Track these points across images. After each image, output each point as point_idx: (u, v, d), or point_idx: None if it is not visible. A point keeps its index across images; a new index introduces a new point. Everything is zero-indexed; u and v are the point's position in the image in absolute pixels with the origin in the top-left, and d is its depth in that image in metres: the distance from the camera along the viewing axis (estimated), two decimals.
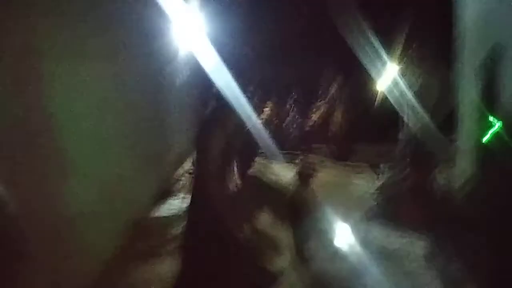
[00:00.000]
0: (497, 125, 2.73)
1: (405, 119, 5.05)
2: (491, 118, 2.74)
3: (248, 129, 2.77)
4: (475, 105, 4.23)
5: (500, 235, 2.80)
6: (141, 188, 4.83)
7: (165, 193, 5.61)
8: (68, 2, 3.21)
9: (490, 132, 2.77)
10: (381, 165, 6.18)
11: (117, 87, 4.23)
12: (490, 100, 3.83)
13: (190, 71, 7.95)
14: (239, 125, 2.85)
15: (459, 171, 5.06)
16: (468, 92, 4.60)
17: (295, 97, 8.76)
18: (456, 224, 4.08)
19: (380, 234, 4.18)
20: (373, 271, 3.51)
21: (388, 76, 6.16)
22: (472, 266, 3.29)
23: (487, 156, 2.95)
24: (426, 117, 4.77)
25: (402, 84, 5.03)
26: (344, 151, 7.91)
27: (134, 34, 4.96)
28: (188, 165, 6.97)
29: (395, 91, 5.20)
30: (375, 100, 8.65)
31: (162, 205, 5.28)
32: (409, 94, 4.87)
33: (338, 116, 8.07)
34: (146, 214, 4.91)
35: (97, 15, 3.75)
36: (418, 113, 4.83)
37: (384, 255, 3.73)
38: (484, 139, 2.95)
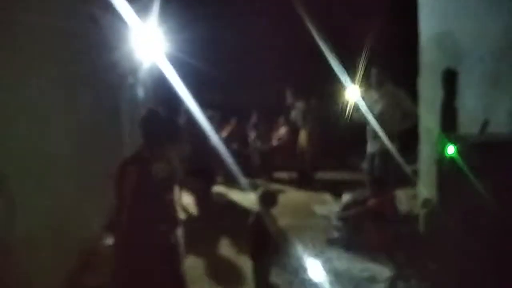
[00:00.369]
0: (452, 148, 2.75)
1: (368, 141, 5.11)
2: (449, 140, 2.77)
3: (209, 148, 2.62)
4: (433, 128, 4.37)
5: (459, 256, 2.78)
6: (90, 216, 4.52)
7: (115, 222, 5.29)
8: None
9: (448, 154, 2.79)
10: (342, 192, 6.24)
11: (68, 106, 4.01)
12: (449, 121, 3.98)
13: (146, 88, 7.84)
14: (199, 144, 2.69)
15: (419, 193, 5.17)
16: (428, 115, 4.76)
17: (256, 119, 8.71)
18: (416, 246, 4.11)
19: (343, 258, 4.09)
20: None
21: (351, 99, 6.29)
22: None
23: (445, 178, 2.97)
24: (388, 139, 4.85)
25: (364, 106, 5.10)
26: (306, 178, 7.89)
27: (90, 50, 4.79)
28: None
29: (358, 113, 5.26)
30: (337, 124, 8.84)
31: (112, 233, 4.96)
32: (372, 117, 4.93)
33: (300, 140, 8.04)
34: (95, 243, 4.58)
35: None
36: (379, 136, 4.90)
37: (348, 279, 3.64)
38: (442, 161, 2.97)
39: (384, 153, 4.89)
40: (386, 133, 4.75)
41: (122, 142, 6.30)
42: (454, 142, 2.72)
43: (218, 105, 8.96)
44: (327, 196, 6.70)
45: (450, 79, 4.09)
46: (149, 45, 7.01)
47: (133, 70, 7.06)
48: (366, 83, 5.38)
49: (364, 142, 5.34)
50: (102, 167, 5.15)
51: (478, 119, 3.54)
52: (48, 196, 3.43)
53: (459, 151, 2.62)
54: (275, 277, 3.62)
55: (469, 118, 3.70)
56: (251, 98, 10.06)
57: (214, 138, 6.12)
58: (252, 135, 8.57)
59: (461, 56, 3.93)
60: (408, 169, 5.63)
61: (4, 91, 2.92)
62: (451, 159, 2.73)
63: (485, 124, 3.13)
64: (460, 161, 2.58)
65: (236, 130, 9.17)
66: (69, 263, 3.81)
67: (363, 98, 5.06)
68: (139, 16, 5.49)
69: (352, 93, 6.00)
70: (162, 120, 2.70)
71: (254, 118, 8.94)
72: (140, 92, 7.67)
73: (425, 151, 4.81)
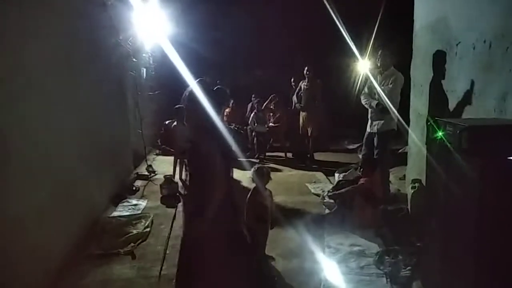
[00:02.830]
0: (440, 132, 2.74)
1: (369, 122, 5.08)
2: (438, 124, 2.76)
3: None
4: (424, 112, 4.35)
5: (443, 234, 2.80)
6: (96, 189, 4.54)
7: (120, 194, 5.33)
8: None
9: (437, 137, 2.78)
10: (335, 172, 6.27)
11: (74, 86, 3.97)
12: (439, 105, 3.95)
13: (150, 72, 7.78)
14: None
15: (408, 174, 5.20)
16: (419, 99, 4.73)
17: (256, 101, 8.65)
18: (404, 224, 4.15)
19: (334, 233, 4.13)
20: (330, 268, 3.46)
21: (360, 73, 6.25)
22: (416, 263, 3.31)
23: (433, 160, 2.97)
24: (389, 119, 4.83)
25: (369, 86, 5.04)
26: (305, 158, 7.92)
27: (93, 32, 4.72)
28: (144, 167, 6.73)
29: (362, 93, 5.21)
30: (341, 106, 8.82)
31: (118, 206, 5.01)
32: (375, 96, 4.88)
33: (301, 121, 8.01)
34: (101, 215, 4.62)
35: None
36: (379, 117, 4.87)
37: (338, 253, 3.69)
38: (431, 144, 2.97)
39: (383, 133, 4.87)
40: (389, 113, 4.71)
41: (127, 117, 6.29)
42: (443, 126, 2.70)
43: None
44: (321, 175, 6.71)
45: (441, 63, 4.04)
46: (152, 27, 6.94)
47: (137, 51, 6.98)
48: (373, 63, 5.32)
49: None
50: (108, 142, 5.16)
51: (468, 104, 3.54)
52: (56, 169, 3.43)
53: (447, 135, 2.61)
54: (271, 250, 3.67)
55: (459, 102, 3.68)
56: (251, 80, 10.00)
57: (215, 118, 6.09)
58: (250, 116, 8.54)
59: (453, 42, 3.88)
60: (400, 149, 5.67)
61: (15, 65, 2.88)
62: (440, 142, 2.72)
63: None
64: (447, 144, 2.58)
65: (235, 111, 9.14)
66: (76, 233, 3.83)
67: (371, 74, 5.00)
68: None
69: (361, 67, 5.95)
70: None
71: (253, 100, 8.89)
72: (143, 72, 7.61)
73: (415, 134, 4.80)
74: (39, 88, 3.20)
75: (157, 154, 8.14)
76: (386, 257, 3.49)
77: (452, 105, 3.85)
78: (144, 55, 7.70)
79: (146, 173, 6.47)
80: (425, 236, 3.25)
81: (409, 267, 3.28)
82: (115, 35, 5.72)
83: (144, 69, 7.71)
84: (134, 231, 4.16)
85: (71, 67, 3.93)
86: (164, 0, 7.15)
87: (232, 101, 8.94)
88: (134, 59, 6.71)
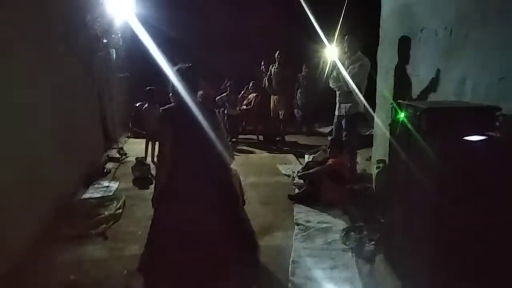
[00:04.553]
0: (402, 114, 2.84)
1: (338, 105, 5.18)
2: (400, 106, 2.86)
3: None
4: (388, 96, 4.48)
5: (404, 212, 2.94)
6: (66, 170, 4.44)
7: (91, 176, 5.24)
8: None
9: (399, 119, 2.88)
10: (305, 154, 6.39)
11: (41, 67, 3.83)
12: (403, 89, 4.08)
13: (120, 53, 7.56)
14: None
15: (374, 155, 5.36)
16: (384, 83, 4.85)
17: (228, 83, 8.61)
18: (369, 202, 4.32)
19: (304, 212, 4.24)
20: (299, 244, 3.57)
21: (328, 59, 6.28)
22: (380, 238, 3.46)
23: (396, 141, 3.08)
24: (356, 103, 4.92)
25: (337, 72, 5.10)
26: (273, 140, 8.00)
27: (60, 11, 4.54)
28: (115, 149, 6.62)
29: (330, 77, 5.28)
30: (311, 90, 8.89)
31: (89, 188, 4.92)
32: (344, 82, 4.95)
33: (272, 105, 8.05)
34: (72, 196, 4.54)
35: None
36: (347, 100, 4.96)
37: (308, 230, 3.80)
38: (394, 126, 3.08)
39: (350, 115, 4.98)
40: (356, 96, 4.80)
41: (94, 98, 6.11)
42: (404, 108, 2.81)
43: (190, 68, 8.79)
44: (292, 157, 6.82)
45: (406, 49, 4.16)
46: (121, 8, 6.73)
47: (106, 32, 6.76)
48: (341, 49, 5.37)
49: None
50: (77, 124, 5.03)
51: (430, 88, 3.68)
52: (24, 148, 3.34)
53: (408, 117, 2.72)
54: None
55: (422, 86, 3.81)
56: (222, 64, 9.89)
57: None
58: (222, 99, 8.49)
59: (417, 28, 3.98)
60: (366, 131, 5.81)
61: None
62: (402, 123, 2.83)
63: None
64: (409, 126, 2.68)
65: (208, 94, 9.05)
66: (46, 214, 3.76)
67: (339, 60, 5.05)
68: None
69: (330, 53, 6.00)
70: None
71: (224, 83, 8.83)
72: (112, 53, 7.38)
73: (380, 117, 4.95)
74: (6, 63, 3.08)
75: (128, 137, 7.99)
76: (352, 233, 3.63)
77: (415, 88, 3.99)
78: (113, 36, 7.46)
79: (118, 155, 6.36)
80: (388, 213, 3.40)
81: (373, 242, 3.44)
82: (82, 15, 5.52)
83: (114, 50, 7.48)
84: (106, 213, 4.12)
85: (38, 45, 3.78)
86: None
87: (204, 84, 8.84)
88: (104, 40, 6.49)
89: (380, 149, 4.96)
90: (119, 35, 7.81)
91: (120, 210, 4.23)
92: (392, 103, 3.11)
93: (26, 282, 2.96)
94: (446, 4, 3.45)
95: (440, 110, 2.50)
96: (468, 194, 2.35)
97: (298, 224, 3.95)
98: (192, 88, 2.59)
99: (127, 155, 6.39)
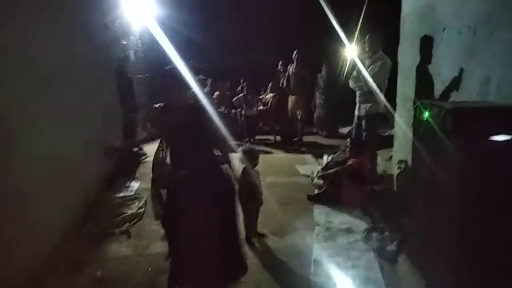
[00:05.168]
0: (426, 113, 2.85)
1: (357, 105, 5.20)
2: (424, 106, 2.87)
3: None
4: (410, 95, 4.48)
5: (428, 212, 2.95)
6: (89, 170, 4.58)
7: (115, 175, 5.38)
8: None
9: (423, 119, 2.90)
10: (324, 154, 6.41)
11: (65, 68, 3.95)
12: (425, 88, 4.08)
13: (139, 55, 7.72)
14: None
15: (395, 155, 5.36)
16: (405, 82, 4.84)
17: (245, 84, 8.70)
18: (390, 202, 4.33)
19: (323, 213, 4.28)
20: (320, 244, 3.61)
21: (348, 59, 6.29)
22: (402, 239, 3.48)
23: (419, 141, 3.10)
24: (376, 103, 4.94)
25: (357, 72, 5.12)
26: (290, 141, 8.04)
27: (80, 14, 4.68)
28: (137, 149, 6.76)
29: (351, 77, 5.29)
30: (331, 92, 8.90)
31: (111, 187, 5.06)
32: (364, 82, 4.96)
33: (290, 106, 8.08)
34: (95, 196, 4.67)
35: None
36: (367, 100, 4.98)
37: (328, 231, 3.83)
38: (417, 126, 3.09)
39: (370, 116, 4.99)
40: (376, 96, 4.82)
41: (117, 100, 6.26)
42: (428, 108, 2.82)
43: (207, 71, 8.94)
44: (310, 157, 6.85)
45: (428, 48, 4.15)
46: (140, 11, 6.88)
47: (125, 33, 6.92)
48: (361, 48, 5.38)
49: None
50: (100, 123, 5.16)
51: (453, 88, 3.67)
52: (53, 148, 3.48)
53: (433, 116, 2.73)
54: (263, 227, 3.80)
55: (444, 86, 3.80)
56: (240, 64, 9.99)
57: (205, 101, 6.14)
58: (239, 99, 8.58)
59: (440, 28, 3.98)
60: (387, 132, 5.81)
61: (8, 49, 2.87)
62: (426, 123, 2.84)
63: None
64: (433, 125, 2.70)
65: (224, 95, 9.17)
66: (72, 213, 3.89)
67: (359, 60, 5.07)
68: None
69: (350, 52, 6.00)
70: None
71: (242, 84, 8.92)
72: (131, 54, 7.54)
73: (401, 117, 4.94)
74: (35, 70, 3.21)
75: (146, 138, 8.13)
76: (373, 234, 3.65)
77: (437, 88, 3.98)
78: (132, 37, 7.62)
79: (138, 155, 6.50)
80: (411, 214, 3.41)
81: (395, 243, 3.44)
82: (102, 16, 5.66)
83: (133, 52, 7.64)
84: (129, 212, 4.24)
85: (62, 45, 3.91)
86: None
87: (222, 83, 8.98)
88: (123, 42, 6.64)
89: (401, 150, 4.95)
90: (138, 37, 7.97)
91: (143, 209, 4.33)
92: (416, 103, 3.13)
93: (55, 276, 3.08)
94: (470, 3, 3.44)
95: (465, 110, 2.52)
96: (493, 195, 2.36)
97: (318, 225, 3.98)
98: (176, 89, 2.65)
99: (147, 155, 6.52)
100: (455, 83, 3.62)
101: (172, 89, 2.65)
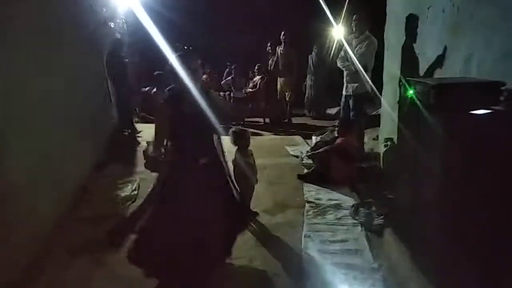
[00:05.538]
0: (411, 90, 2.95)
1: (345, 85, 5.29)
2: (408, 83, 2.96)
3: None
4: (396, 73, 4.57)
5: (413, 186, 3.07)
6: (80, 155, 4.61)
7: (104, 161, 5.41)
8: None
9: (408, 95, 2.99)
10: (312, 135, 6.52)
11: (53, 53, 3.91)
12: (410, 66, 4.17)
13: (124, 38, 7.64)
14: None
15: (381, 133, 5.48)
16: (391, 61, 4.93)
17: (233, 66, 8.69)
18: (376, 179, 4.47)
19: (313, 190, 4.40)
20: (310, 220, 3.74)
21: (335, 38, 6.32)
22: (388, 213, 3.62)
23: (404, 116, 3.21)
24: (363, 82, 5.03)
25: (346, 52, 5.18)
26: (279, 122, 8.11)
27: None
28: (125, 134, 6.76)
29: (338, 57, 5.37)
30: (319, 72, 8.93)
31: (102, 171, 5.10)
32: (351, 61, 5.03)
33: (279, 87, 8.11)
34: (87, 180, 4.71)
35: None
36: (354, 79, 5.06)
37: (318, 207, 3.96)
38: (402, 102, 3.20)
39: (358, 95, 5.09)
40: (363, 75, 4.91)
41: (106, 84, 6.23)
42: (413, 85, 2.92)
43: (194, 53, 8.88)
44: (299, 138, 6.94)
45: (413, 27, 4.22)
46: None
47: (112, 17, 6.83)
48: (348, 28, 5.44)
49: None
50: (89, 108, 5.16)
51: (437, 65, 3.77)
52: (44, 140, 3.49)
53: (417, 93, 2.83)
54: (255, 206, 3.90)
55: (429, 64, 3.89)
56: (227, 47, 9.94)
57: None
58: (228, 82, 8.59)
59: (425, 6, 4.04)
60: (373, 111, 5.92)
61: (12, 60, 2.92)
62: (411, 100, 2.94)
63: None
64: (417, 102, 2.80)
65: (212, 78, 9.16)
66: (65, 197, 3.94)
67: (346, 40, 5.14)
68: None
69: (337, 33, 6.05)
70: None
71: (229, 67, 8.91)
72: (119, 38, 7.46)
73: (387, 95, 5.04)
74: (18, 50, 3.19)
75: (136, 122, 8.13)
76: (361, 209, 3.79)
77: (422, 66, 4.07)
78: (118, 21, 7.53)
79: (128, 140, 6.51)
80: (396, 189, 3.55)
81: (381, 217, 3.59)
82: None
83: (119, 35, 7.56)
84: (122, 194, 4.30)
85: (49, 31, 3.87)
86: None
87: (208, 68, 8.95)
88: (111, 25, 6.57)
89: (387, 128, 5.07)
90: (124, 20, 7.87)
91: (136, 192, 4.40)
92: (401, 80, 3.22)
93: (53, 258, 3.16)
94: None
95: (447, 86, 2.61)
96: (474, 167, 2.48)
97: (308, 202, 4.11)
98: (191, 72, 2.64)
99: (139, 140, 6.54)
100: (439, 61, 3.70)
101: (184, 76, 2.60)
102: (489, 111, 2.43)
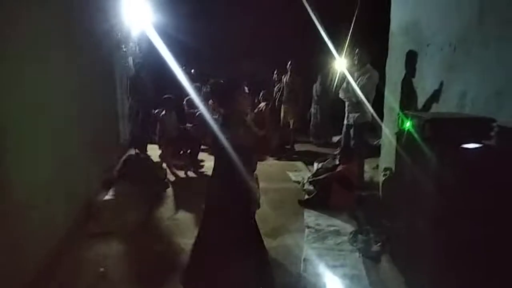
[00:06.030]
0: (408, 123, 3.12)
1: (346, 114, 5.49)
2: (406, 116, 3.14)
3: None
4: (396, 107, 4.77)
5: (409, 215, 3.20)
6: (89, 172, 4.76)
7: (111, 179, 5.56)
8: None
9: (405, 128, 3.16)
10: (314, 162, 6.67)
11: (65, 74, 4.07)
12: (410, 100, 4.37)
13: (139, 63, 7.94)
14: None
15: (381, 163, 5.63)
16: (392, 95, 5.14)
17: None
18: (375, 207, 4.59)
19: (313, 216, 4.52)
20: (310, 244, 3.86)
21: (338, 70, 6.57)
22: (386, 240, 3.73)
23: (402, 148, 3.36)
24: (364, 112, 5.23)
25: (348, 83, 5.41)
26: (282, 149, 8.28)
27: (87, 20, 4.87)
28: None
29: (341, 88, 5.60)
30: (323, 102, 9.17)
31: (109, 189, 5.23)
32: (353, 93, 5.25)
33: (282, 115, 8.32)
34: (95, 198, 4.85)
35: None
36: (355, 109, 5.27)
37: (317, 233, 4.07)
38: (400, 134, 3.36)
39: (358, 125, 5.29)
40: (364, 106, 5.11)
41: (116, 105, 6.46)
42: (410, 118, 3.10)
43: (202, 79, 9.18)
44: (301, 165, 7.10)
45: (413, 63, 4.45)
46: (139, 18, 7.12)
47: (125, 40, 7.13)
48: (351, 61, 5.68)
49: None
50: (99, 127, 5.35)
51: (434, 100, 3.96)
52: (54, 155, 3.65)
53: (414, 126, 3.00)
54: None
55: (427, 98, 4.09)
56: (234, 72, 10.22)
57: (202, 108, 6.43)
58: None
59: (424, 44, 4.28)
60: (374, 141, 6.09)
61: (9, 53, 2.93)
62: (407, 132, 3.11)
63: None
64: (414, 134, 2.97)
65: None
66: (74, 213, 4.08)
67: (348, 72, 5.38)
68: None
69: (340, 65, 6.31)
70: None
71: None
72: (131, 61, 7.76)
73: (388, 127, 5.23)
74: (36, 68, 3.34)
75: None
76: (359, 235, 3.91)
77: (421, 100, 4.27)
78: (131, 44, 7.84)
79: None
80: (394, 217, 3.67)
81: (379, 244, 3.70)
82: (105, 23, 5.88)
83: (132, 58, 7.86)
84: (133, 212, 4.43)
85: (66, 52, 4.05)
86: None
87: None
88: (123, 49, 6.87)
89: (387, 158, 5.23)
90: (136, 43, 8.19)
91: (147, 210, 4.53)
92: (399, 113, 3.40)
93: (62, 271, 3.28)
94: (451, 22, 3.74)
95: (441, 120, 2.80)
96: (466, 197, 2.62)
97: (308, 227, 4.23)
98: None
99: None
100: (436, 96, 3.90)
101: (232, 101, 2.74)
102: (480, 145, 2.60)
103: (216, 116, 2.97)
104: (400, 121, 3.30)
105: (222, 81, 2.87)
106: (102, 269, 3.32)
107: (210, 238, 2.77)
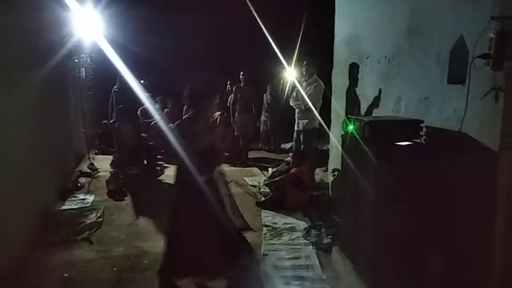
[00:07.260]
0: (351, 126, 3.51)
1: (296, 121, 5.88)
2: (350, 120, 3.53)
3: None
4: (341, 112, 5.22)
5: (354, 210, 3.58)
6: (44, 184, 4.75)
7: (67, 190, 5.55)
8: None
9: (348, 131, 3.56)
10: (269, 167, 7.03)
11: (19, 85, 4.07)
12: (353, 106, 4.83)
13: (89, 73, 7.91)
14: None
15: (330, 165, 6.08)
16: (338, 102, 5.61)
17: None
18: (326, 205, 4.99)
19: (270, 215, 4.85)
20: (268, 241, 4.16)
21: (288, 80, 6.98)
22: (335, 233, 4.11)
23: (345, 150, 3.76)
24: (312, 119, 5.65)
25: (297, 92, 5.82)
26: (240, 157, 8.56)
27: (39, 31, 4.86)
28: (85, 165, 6.90)
29: (291, 97, 6.01)
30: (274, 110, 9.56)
31: (66, 200, 5.23)
32: (302, 101, 5.66)
33: (236, 124, 8.61)
34: (52, 208, 4.84)
35: None
36: (304, 116, 5.68)
37: (274, 230, 4.39)
38: (345, 137, 3.75)
39: (307, 130, 5.71)
40: (312, 113, 5.54)
41: (69, 116, 6.42)
42: (352, 122, 3.49)
43: (156, 88, 9.28)
44: (256, 170, 7.41)
45: (355, 73, 4.94)
46: (90, 28, 7.13)
47: (77, 51, 7.11)
48: (299, 72, 6.12)
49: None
50: (52, 138, 5.32)
51: (374, 106, 4.44)
52: (10, 162, 3.65)
53: (355, 128, 3.40)
54: None
55: (368, 104, 4.57)
56: (187, 82, 10.38)
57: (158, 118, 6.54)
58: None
59: (364, 56, 4.77)
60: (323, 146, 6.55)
61: None
62: (351, 134, 3.51)
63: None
64: (356, 136, 3.36)
65: (174, 112, 9.51)
66: (31, 224, 4.08)
67: (297, 81, 5.80)
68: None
69: (289, 75, 6.74)
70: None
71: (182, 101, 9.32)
72: (82, 71, 7.71)
73: (335, 131, 5.69)
74: None
75: (95, 153, 8.25)
76: (312, 230, 4.27)
77: (363, 106, 4.75)
78: (82, 55, 7.80)
79: (89, 170, 6.65)
80: (341, 213, 4.05)
81: (330, 237, 4.08)
82: (57, 33, 5.87)
83: (83, 69, 7.82)
84: (88, 221, 4.48)
85: (20, 62, 4.07)
86: (100, 3, 7.35)
87: (169, 102, 9.36)
88: (75, 59, 6.85)
89: (335, 160, 5.67)
90: (88, 54, 8.15)
91: (101, 219, 4.60)
92: (344, 118, 3.80)
93: (23, 280, 3.30)
94: (385, 37, 4.24)
95: (379, 122, 3.22)
96: (399, 190, 3.02)
97: (266, 226, 4.53)
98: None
99: (98, 170, 6.71)
100: (376, 102, 4.39)
101: (202, 108, 3.01)
102: (411, 142, 3.04)
103: (170, 125, 3.16)
104: (344, 124, 3.69)
105: (197, 88, 3.08)
106: (66, 275, 3.38)
107: (184, 231, 2.96)
